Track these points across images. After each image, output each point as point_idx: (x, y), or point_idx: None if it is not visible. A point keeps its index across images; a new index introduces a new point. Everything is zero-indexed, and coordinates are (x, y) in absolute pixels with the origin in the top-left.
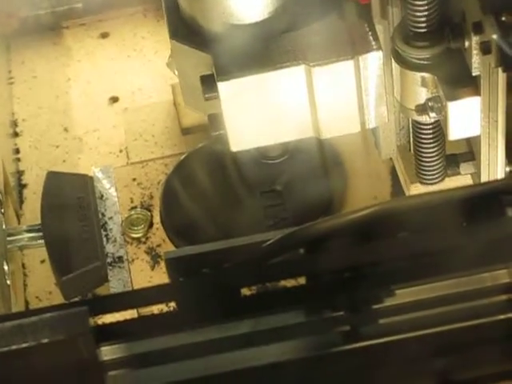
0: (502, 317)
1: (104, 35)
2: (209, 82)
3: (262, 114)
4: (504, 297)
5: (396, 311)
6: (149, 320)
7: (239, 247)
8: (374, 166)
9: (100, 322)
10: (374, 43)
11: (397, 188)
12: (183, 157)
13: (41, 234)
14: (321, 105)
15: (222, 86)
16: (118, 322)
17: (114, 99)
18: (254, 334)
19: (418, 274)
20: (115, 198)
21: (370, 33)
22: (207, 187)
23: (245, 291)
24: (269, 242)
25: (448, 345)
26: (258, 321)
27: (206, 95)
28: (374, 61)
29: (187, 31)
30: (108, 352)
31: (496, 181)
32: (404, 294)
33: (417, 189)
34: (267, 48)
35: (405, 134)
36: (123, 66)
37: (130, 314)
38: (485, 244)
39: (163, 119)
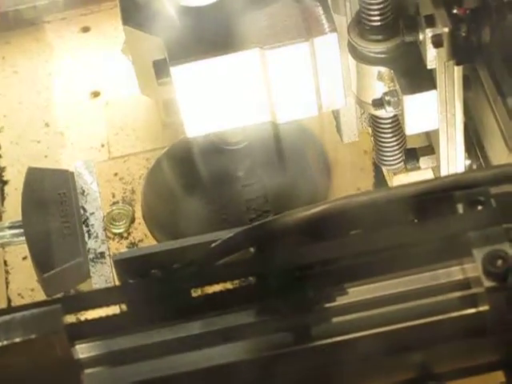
0: (455, 314)
1: (85, 29)
2: (161, 67)
3: (217, 98)
4: (458, 293)
5: (349, 310)
6: (119, 318)
7: (188, 247)
8: (357, 157)
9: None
10: (328, 25)
11: (379, 179)
12: (165, 151)
13: (22, 230)
14: (275, 88)
15: (175, 71)
16: (93, 320)
17: (96, 94)
18: (206, 335)
19: (371, 271)
20: (97, 193)
21: (324, 15)
22: (189, 181)
23: (195, 291)
24: (218, 242)
25: (402, 343)
26: (208, 321)
27: (159, 80)
28: (328, 43)
29: (140, 16)
30: (85, 350)
31: (446, 177)
32: (356, 292)
33: (399, 180)
34: (220, 31)
35: (366, 118)
36: (104, 61)
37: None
38: (436, 240)
39: (144, 113)
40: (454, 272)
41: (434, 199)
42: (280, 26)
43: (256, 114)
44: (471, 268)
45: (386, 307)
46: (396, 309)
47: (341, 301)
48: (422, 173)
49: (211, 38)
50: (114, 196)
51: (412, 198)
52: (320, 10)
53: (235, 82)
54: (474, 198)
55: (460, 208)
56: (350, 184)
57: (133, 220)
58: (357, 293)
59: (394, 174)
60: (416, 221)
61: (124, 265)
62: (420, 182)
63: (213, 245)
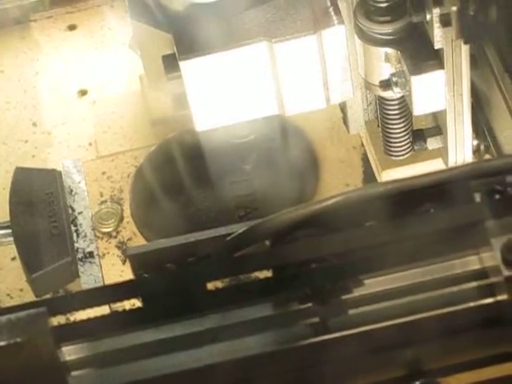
0: (472, 304)
1: (71, 27)
2: (171, 62)
3: (226, 92)
4: (474, 283)
5: (365, 301)
6: (113, 317)
7: (203, 241)
8: (346, 153)
9: (72, 318)
10: (335, 18)
11: (369, 175)
12: (153, 149)
13: (10, 230)
14: (284, 81)
15: (184, 65)
16: (81, 321)
17: (83, 92)
18: (221, 329)
19: (387, 262)
20: (85, 192)
21: (331, 7)
22: (177, 179)
23: (211, 285)
24: (233, 235)
25: (419, 334)
26: (224, 315)
27: (169, 75)
28: (336, 36)
29: (148, 11)
30: (71, 352)
31: (463, 166)
32: (373, 284)
33: (388, 175)
34: (228, 25)
35: (372, 110)
36: (91, 59)
37: (102, 310)
38: (453, 230)
39: (132, 111)
40: (472, 261)
41: (451, 189)
42: (287, 18)
43: (264, 107)
44: (489, 257)
45: (402, 298)
46: (413, 299)
47: (357, 292)
48: (412, 167)
49: (220, 32)
50: (102, 195)
51: (429, 188)
52: (327, 2)
53: (244, 76)
54: (491, 186)
55: (477, 197)
56: (338, 180)
57: (121, 219)
58: (373, 284)
59: (383, 168)
60: (433, 211)
61: (138, 259)
62: (437, 172)
63: (228, 238)
